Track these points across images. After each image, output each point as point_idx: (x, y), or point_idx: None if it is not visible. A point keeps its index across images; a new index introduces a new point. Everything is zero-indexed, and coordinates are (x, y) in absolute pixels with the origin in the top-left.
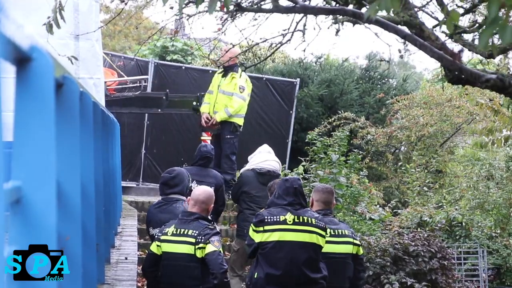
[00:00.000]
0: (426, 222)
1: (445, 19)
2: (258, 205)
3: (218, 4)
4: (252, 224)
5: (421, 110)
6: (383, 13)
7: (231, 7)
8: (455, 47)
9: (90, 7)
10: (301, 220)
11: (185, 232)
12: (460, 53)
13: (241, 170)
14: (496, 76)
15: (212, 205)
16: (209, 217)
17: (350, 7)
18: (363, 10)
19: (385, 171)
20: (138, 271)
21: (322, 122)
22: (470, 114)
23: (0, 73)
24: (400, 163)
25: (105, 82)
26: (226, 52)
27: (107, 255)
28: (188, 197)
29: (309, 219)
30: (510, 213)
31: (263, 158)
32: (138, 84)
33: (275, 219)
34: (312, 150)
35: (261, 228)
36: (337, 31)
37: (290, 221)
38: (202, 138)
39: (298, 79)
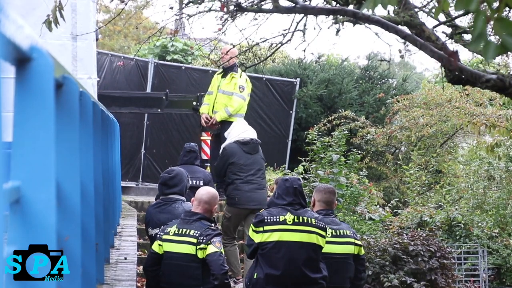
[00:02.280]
0: (426, 222)
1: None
2: (246, 173)
3: (218, 4)
4: (252, 224)
5: (421, 110)
6: (383, 13)
7: (231, 7)
8: (455, 47)
9: (87, 7)
10: (301, 220)
11: (187, 232)
12: (456, 54)
13: (223, 145)
14: (496, 77)
15: (216, 206)
16: (212, 218)
17: (351, 7)
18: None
19: (385, 171)
20: (138, 271)
21: (322, 120)
22: (471, 115)
23: (0, 73)
24: (399, 163)
25: None
26: (226, 52)
27: (107, 255)
28: (193, 198)
29: (309, 219)
30: (509, 213)
31: (242, 129)
32: None
33: (274, 219)
34: (312, 150)
35: (261, 228)
36: (338, 31)
37: (290, 221)
38: (202, 138)
39: (298, 79)
